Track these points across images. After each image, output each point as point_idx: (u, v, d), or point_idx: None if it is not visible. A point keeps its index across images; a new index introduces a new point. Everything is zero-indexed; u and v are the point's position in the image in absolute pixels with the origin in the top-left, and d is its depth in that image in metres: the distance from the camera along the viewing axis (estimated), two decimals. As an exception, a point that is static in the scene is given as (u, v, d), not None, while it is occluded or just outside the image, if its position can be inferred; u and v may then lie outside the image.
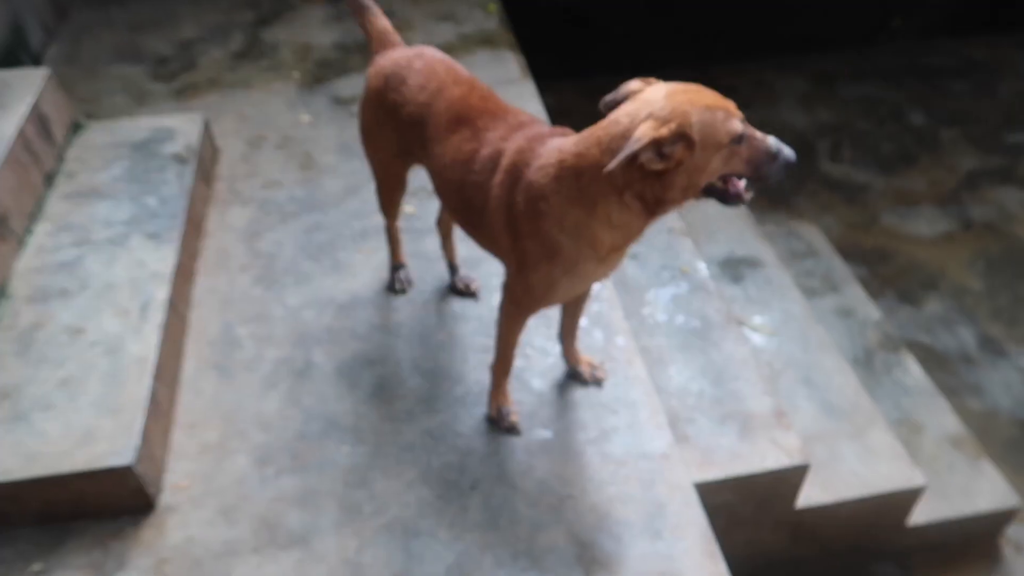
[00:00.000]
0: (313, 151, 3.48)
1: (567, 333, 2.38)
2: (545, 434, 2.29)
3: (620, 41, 6.04)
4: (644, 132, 1.54)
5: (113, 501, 2.08)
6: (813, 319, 3.36)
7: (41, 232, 2.72)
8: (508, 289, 2.04)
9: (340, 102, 3.81)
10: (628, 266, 3.26)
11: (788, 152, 1.64)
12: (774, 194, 4.95)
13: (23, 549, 2.04)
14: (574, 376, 2.43)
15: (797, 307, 3.43)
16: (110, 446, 2.03)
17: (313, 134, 3.60)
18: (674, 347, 2.93)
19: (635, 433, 2.29)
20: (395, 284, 2.74)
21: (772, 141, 1.64)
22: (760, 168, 1.65)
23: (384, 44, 2.31)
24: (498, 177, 1.88)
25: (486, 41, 4.28)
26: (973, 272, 4.29)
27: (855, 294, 3.85)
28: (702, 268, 3.25)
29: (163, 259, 2.60)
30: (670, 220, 3.51)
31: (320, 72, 4.06)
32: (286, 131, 3.62)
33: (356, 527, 2.07)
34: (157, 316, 2.40)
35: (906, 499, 2.78)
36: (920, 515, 2.89)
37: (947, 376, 3.73)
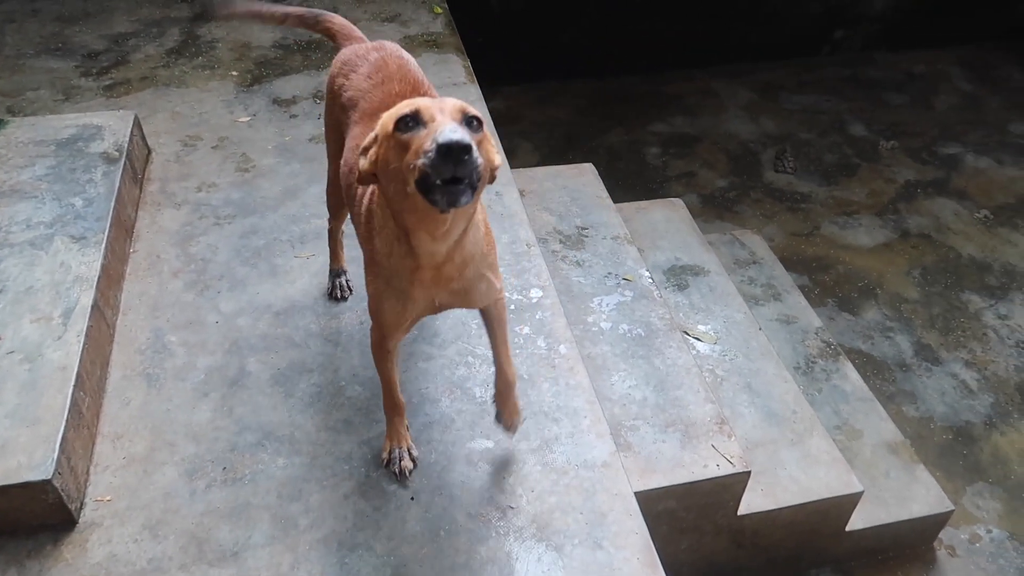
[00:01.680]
0: (250, 152, 3.38)
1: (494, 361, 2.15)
2: (486, 444, 2.25)
3: (571, 47, 6.06)
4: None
5: (30, 517, 1.96)
6: (755, 327, 3.39)
7: (-43, 233, 2.57)
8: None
9: (279, 103, 3.72)
10: (572, 273, 3.24)
11: (447, 135, 1.31)
12: (719, 202, 5.02)
13: (-73, 571, 1.92)
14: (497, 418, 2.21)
15: (740, 315, 3.46)
16: (27, 459, 1.92)
17: (251, 135, 3.51)
18: (618, 355, 2.92)
19: (576, 442, 2.27)
20: (335, 291, 2.67)
21: (443, 127, 1.34)
22: (420, 155, 1.40)
23: (350, 39, 2.35)
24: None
25: (431, 43, 4.23)
26: (909, 281, 4.40)
27: (796, 302, 3.90)
28: (646, 276, 3.25)
29: (88, 262, 2.48)
30: (614, 228, 3.50)
31: (259, 72, 3.96)
32: (222, 131, 3.51)
33: (290, 541, 1.99)
34: (80, 322, 2.29)
35: (844, 505, 2.81)
36: (858, 521, 2.93)
37: (884, 383, 3.81)
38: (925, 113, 5.88)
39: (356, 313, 2.63)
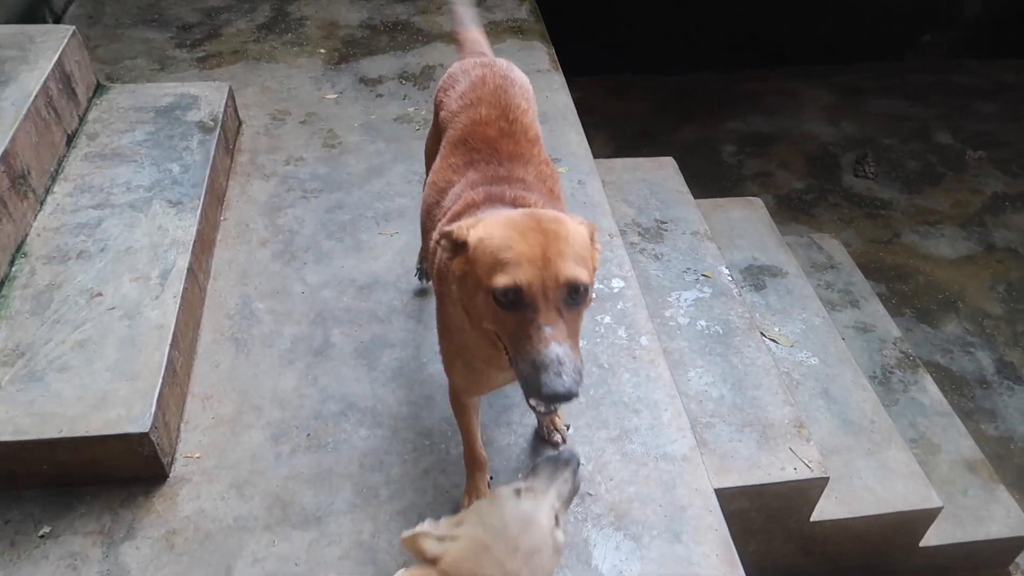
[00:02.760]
0: (337, 129, 3.43)
1: None
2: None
3: (648, 40, 6.00)
4: (458, 225, 1.42)
5: (125, 468, 2.03)
6: (834, 332, 3.31)
7: (60, 192, 2.67)
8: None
9: (366, 82, 3.76)
10: (651, 266, 3.21)
11: (554, 386, 1.23)
12: (795, 204, 4.92)
13: (31, 511, 2.00)
14: (538, 431, 2.22)
15: (818, 319, 3.38)
16: (126, 412, 1.99)
17: (337, 112, 3.55)
18: (695, 351, 2.88)
19: (656, 434, 2.25)
20: (424, 274, 2.65)
21: (550, 353, 1.24)
22: (519, 360, 1.29)
23: (471, 52, 2.26)
24: (445, 219, 1.72)
25: (516, 30, 4.22)
26: (993, 296, 4.25)
27: (875, 310, 3.80)
28: (725, 273, 3.21)
29: (184, 227, 2.55)
30: (694, 223, 3.46)
31: (346, 50, 4.01)
32: (310, 107, 3.57)
33: (371, 510, 2.02)
34: (177, 284, 2.36)
35: (921, 519, 2.73)
36: (932, 537, 2.85)
37: (963, 399, 3.70)
38: (1015, 124, 5.65)
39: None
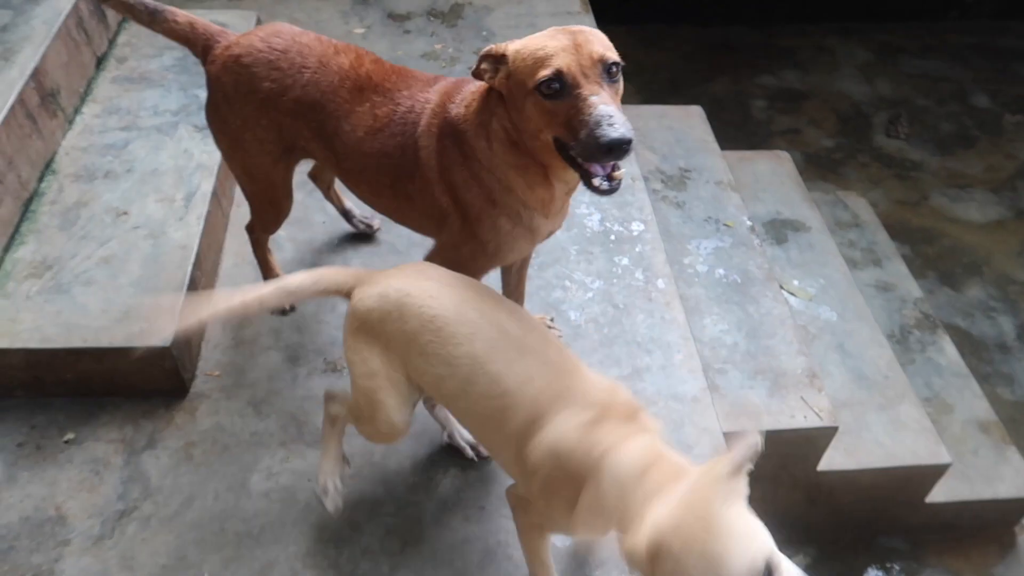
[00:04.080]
0: (364, 64, 3.40)
1: (512, 298, 2.17)
2: (578, 366, 2.27)
3: (681, -10, 5.86)
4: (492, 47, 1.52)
5: (147, 382, 2.09)
6: (854, 289, 3.29)
7: (89, 113, 2.69)
8: (451, 253, 1.79)
9: (394, 17, 3.72)
10: (672, 214, 3.20)
11: (611, 133, 1.34)
12: (823, 162, 4.85)
13: (56, 417, 2.07)
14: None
15: (838, 275, 3.36)
16: (149, 326, 2.04)
17: (365, 46, 3.46)
18: (711, 298, 2.88)
19: (668, 375, 2.27)
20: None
21: (600, 110, 1.37)
22: (576, 135, 1.41)
23: (209, 37, 1.92)
24: (423, 123, 1.71)
25: (548, -29, 4.14)
26: (1020, 262, 4.19)
27: (897, 270, 3.76)
28: (747, 224, 3.19)
29: (209, 152, 2.57)
30: (719, 173, 3.43)
31: (376, -15, 3.96)
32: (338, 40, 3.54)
33: (383, 433, 2.07)
34: (201, 207, 2.39)
35: (929, 475, 2.75)
36: (939, 494, 2.86)
37: (981, 363, 3.67)
38: (1058, 89, 5.50)
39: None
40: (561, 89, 1.41)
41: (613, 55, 1.45)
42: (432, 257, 1.85)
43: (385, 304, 1.54)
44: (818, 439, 2.53)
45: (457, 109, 1.67)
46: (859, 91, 5.42)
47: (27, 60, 2.39)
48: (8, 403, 2.08)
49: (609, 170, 1.48)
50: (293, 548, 1.84)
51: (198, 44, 1.93)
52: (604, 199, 2.79)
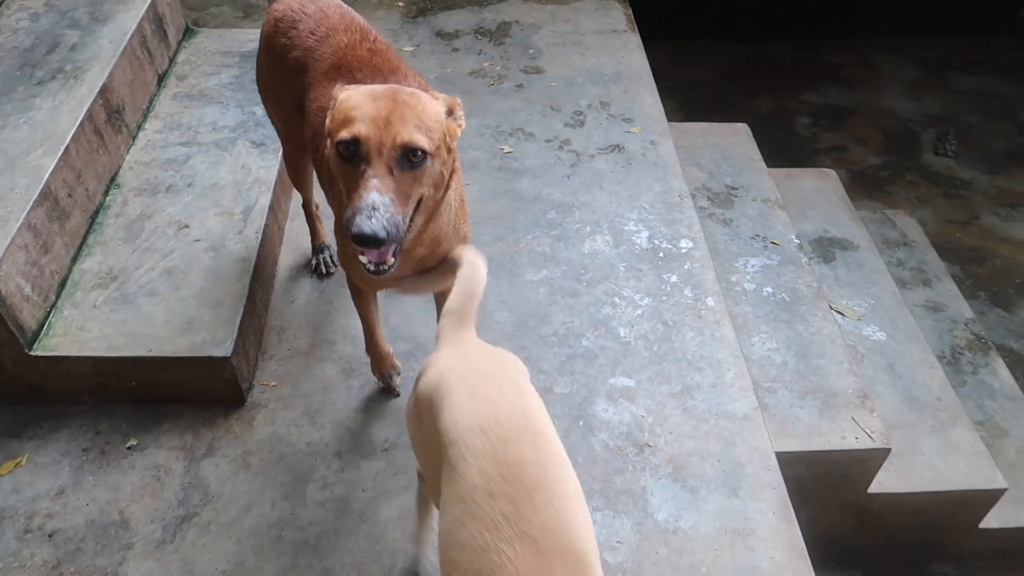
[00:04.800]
0: (414, 81, 3.47)
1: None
2: (627, 382, 2.28)
3: (724, 7, 5.86)
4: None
5: (207, 391, 2.14)
6: (904, 309, 3.25)
7: (151, 129, 2.78)
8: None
9: (443, 35, 3.79)
10: (719, 231, 3.19)
11: (361, 226, 1.30)
12: (869, 180, 4.80)
13: (119, 424, 2.13)
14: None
15: (887, 295, 3.32)
16: (210, 336, 2.09)
17: (414, 64, 3.57)
18: (759, 317, 2.87)
19: (719, 392, 2.26)
20: (319, 267, 2.56)
21: (368, 199, 1.33)
22: (348, 207, 1.37)
23: None
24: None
25: (594, -11, 4.18)
26: (1075, 283, 4.09)
27: (947, 290, 3.70)
28: (795, 242, 3.17)
29: (266, 167, 2.64)
30: (765, 191, 3.42)
31: (424, 4, 4.03)
32: (388, 59, 3.61)
33: (436, 446, 2.09)
34: (258, 220, 2.45)
35: (983, 500, 2.69)
36: (993, 520, 2.80)
37: (1034, 386, 3.59)
38: (1112, 107, 5.38)
39: (506, 243, 2.69)
40: (355, 155, 1.38)
41: (421, 142, 1.38)
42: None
43: (430, 390, 1.38)
44: (869, 461, 2.50)
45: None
46: (906, 108, 5.36)
47: (95, 78, 2.48)
48: (75, 409, 2.15)
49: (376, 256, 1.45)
50: (349, 557, 1.87)
51: None
52: (653, 216, 2.80)
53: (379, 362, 2.18)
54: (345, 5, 2.04)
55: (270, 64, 2.07)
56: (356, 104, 1.41)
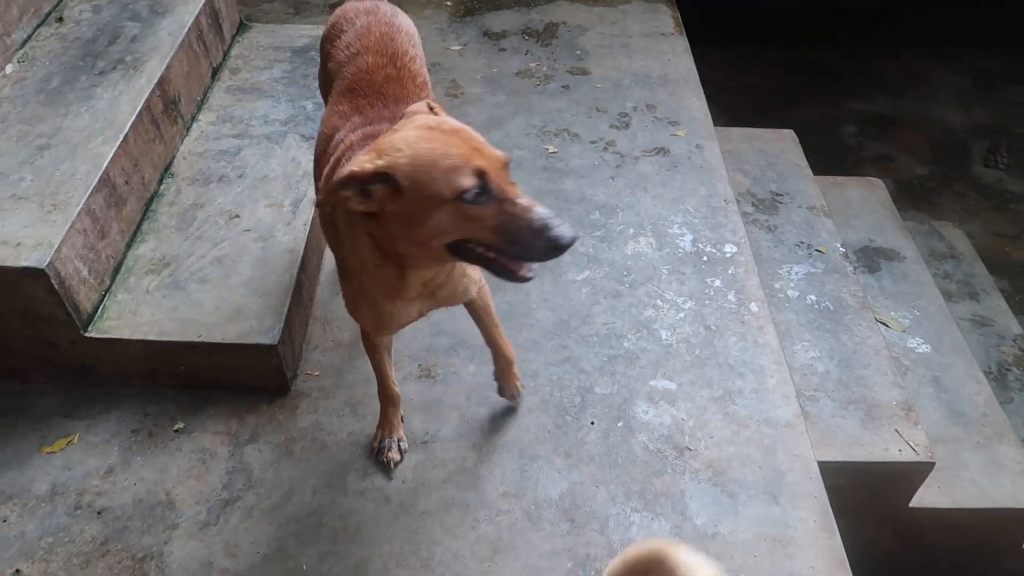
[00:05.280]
0: (460, 79, 3.50)
1: (487, 343, 2.10)
2: (668, 385, 2.27)
3: (770, 13, 5.80)
4: (351, 164, 1.33)
5: (252, 377, 2.18)
6: (951, 322, 3.19)
7: (205, 120, 2.84)
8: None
9: (490, 35, 3.81)
10: (763, 237, 3.16)
11: (559, 232, 1.30)
12: (916, 191, 4.72)
13: (167, 407, 2.18)
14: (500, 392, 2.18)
15: (933, 307, 3.26)
16: (258, 324, 2.13)
17: (461, 63, 3.62)
18: (802, 324, 2.84)
19: (760, 399, 2.25)
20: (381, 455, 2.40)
21: (540, 214, 1.31)
22: (517, 242, 1.32)
23: None
24: (327, 169, 1.70)
25: (642, -8, 4.17)
26: None
27: (995, 304, 3.63)
28: (840, 250, 3.13)
29: (315, 161, 2.67)
30: (811, 198, 3.38)
31: (472, 4, 4.06)
32: (435, 57, 3.64)
33: (475, 441, 2.11)
34: (307, 213, 2.48)
35: (1029, 519, 2.63)
36: (1039, 539, 2.74)
37: (1085, 405, 3.49)
38: None
39: (549, 243, 2.69)
40: (484, 192, 1.31)
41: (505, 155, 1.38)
42: None
43: None
44: (912, 474, 2.46)
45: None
46: (955, 118, 5.26)
47: (154, 69, 2.54)
48: (125, 391, 2.21)
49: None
50: (387, 547, 1.89)
51: None
52: (697, 220, 2.79)
53: (389, 411, 2.06)
54: (400, 21, 2.00)
55: (321, 64, 2.10)
56: (440, 151, 1.32)
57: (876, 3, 5.69)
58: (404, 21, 2.02)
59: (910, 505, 2.58)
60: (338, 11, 2.07)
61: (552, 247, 1.31)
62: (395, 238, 1.41)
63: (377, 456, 2.06)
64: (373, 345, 1.93)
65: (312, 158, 2.01)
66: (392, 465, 2.04)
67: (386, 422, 2.07)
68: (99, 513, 1.95)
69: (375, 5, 2.04)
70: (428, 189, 1.31)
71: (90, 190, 2.12)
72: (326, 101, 2.22)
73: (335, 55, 1.96)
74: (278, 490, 2.01)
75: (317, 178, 1.87)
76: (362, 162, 1.32)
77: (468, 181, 1.29)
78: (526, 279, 1.41)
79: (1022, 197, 4.63)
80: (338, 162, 1.66)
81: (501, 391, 2.16)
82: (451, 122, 1.40)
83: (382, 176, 1.32)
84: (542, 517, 1.96)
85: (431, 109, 1.47)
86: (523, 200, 1.32)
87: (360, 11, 2.01)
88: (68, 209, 2.06)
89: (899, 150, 5.02)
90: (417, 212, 1.33)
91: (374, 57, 1.87)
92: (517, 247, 1.33)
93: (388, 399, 2.04)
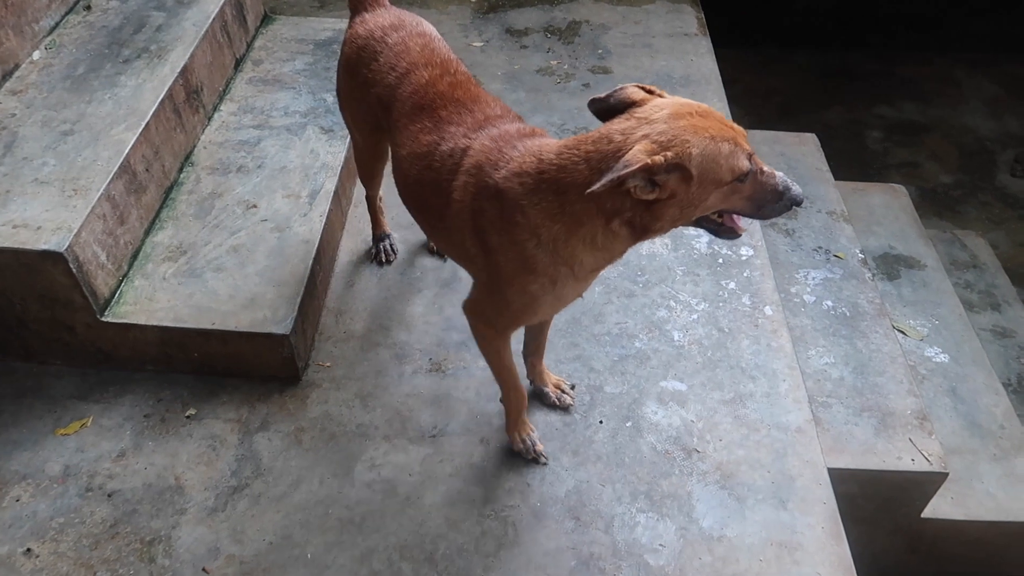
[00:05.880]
0: (481, 76, 3.50)
1: (533, 351, 2.14)
2: (679, 386, 2.26)
3: (799, 14, 5.75)
4: (636, 156, 1.35)
5: (264, 367, 2.20)
6: (970, 331, 3.14)
7: (226, 111, 2.86)
8: (476, 308, 1.83)
9: (512, 32, 3.81)
10: (780, 241, 3.14)
11: (796, 191, 1.47)
12: (941, 199, 4.65)
13: (180, 393, 2.20)
14: (539, 397, 2.20)
15: (953, 316, 3.22)
16: (272, 314, 2.15)
17: (482, 59, 3.62)
18: (818, 330, 2.81)
19: (772, 403, 2.23)
20: (379, 255, 2.59)
21: (780, 178, 1.47)
22: (763, 206, 1.49)
23: (364, 3, 2.08)
24: (460, 179, 1.67)
25: (667, -8, 4.15)
26: None
27: (1017, 315, 3.57)
28: (859, 256, 3.09)
29: (334, 153, 2.69)
30: (831, 203, 3.35)
31: (496, 0, 4.06)
32: (457, 53, 3.58)
33: (483, 435, 2.11)
34: (323, 204, 2.50)
35: (1045, 534, 2.59)
36: (1054, 556, 2.69)
37: (1107, 420, 3.43)
38: None
39: (565, 241, 2.69)
40: (749, 171, 1.44)
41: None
42: (469, 303, 1.85)
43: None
44: (925, 484, 2.43)
45: (508, 183, 1.56)
46: (985, 126, 5.18)
47: (178, 59, 2.57)
48: (139, 376, 2.23)
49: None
50: (392, 539, 1.90)
51: (356, 5, 2.10)
52: (713, 221, 2.77)
53: (522, 410, 2.03)
54: (427, 28, 2.00)
55: (351, 88, 2.06)
56: (719, 137, 1.39)
57: (911, 7, 5.61)
58: (430, 28, 2.03)
59: (923, 516, 2.54)
60: (359, 31, 2.02)
61: (790, 205, 1.48)
62: (666, 218, 1.47)
63: (526, 454, 2.05)
64: (506, 341, 1.88)
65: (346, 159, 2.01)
66: (544, 456, 2.05)
67: (520, 422, 2.05)
68: (109, 496, 1.98)
69: (398, 19, 2.01)
70: (714, 175, 1.41)
71: (111, 176, 2.15)
72: (349, 120, 2.22)
73: (380, 79, 1.91)
74: (286, 479, 2.02)
75: (420, 200, 1.86)
76: (646, 153, 1.36)
77: (746, 164, 1.41)
78: (741, 233, 1.58)
79: (1049, 208, 4.56)
80: (480, 170, 1.63)
81: (555, 399, 2.18)
82: (697, 105, 1.46)
83: (673, 167, 1.38)
84: (547, 514, 1.96)
85: (646, 90, 1.50)
86: (767, 168, 1.47)
87: (387, 27, 1.98)
88: (88, 194, 2.09)
89: (926, 157, 4.96)
90: (699, 195, 1.43)
91: (429, 71, 1.85)
92: (763, 210, 1.49)
93: (521, 398, 2.00)
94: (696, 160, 1.38)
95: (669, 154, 1.36)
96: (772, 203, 1.48)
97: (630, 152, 1.36)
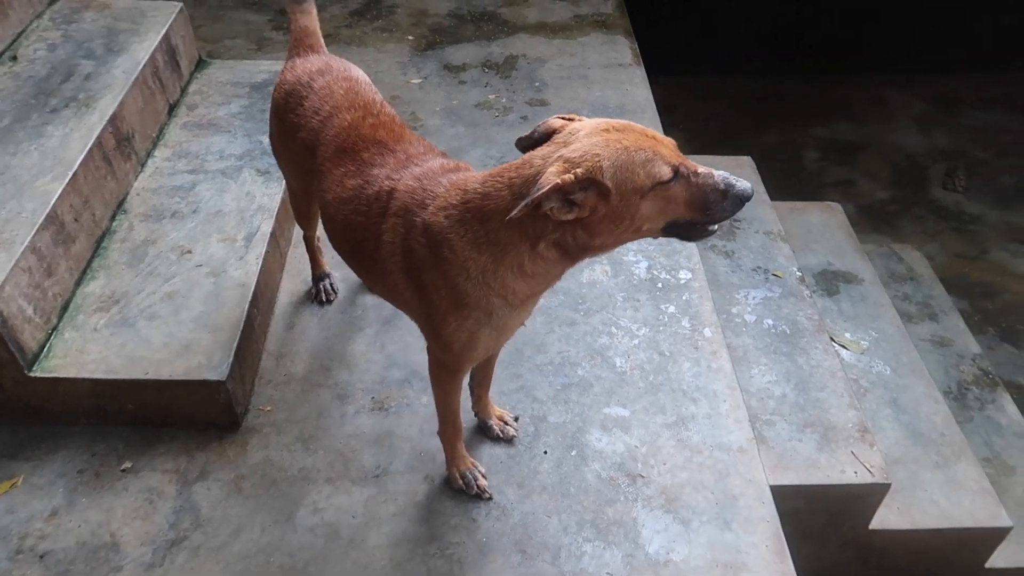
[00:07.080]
0: (419, 112, 3.53)
1: (479, 382, 2.14)
2: (622, 412, 2.27)
3: (734, 43, 5.92)
4: (547, 179, 1.36)
5: (202, 414, 2.16)
6: (908, 343, 3.22)
7: (160, 156, 2.84)
8: (429, 350, 1.85)
9: (450, 68, 3.86)
10: (720, 262, 3.19)
11: (741, 186, 1.44)
12: (877, 214, 4.79)
13: (115, 446, 2.15)
14: (483, 430, 2.20)
15: (892, 329, 3.30)
16: (207, 360, 2.12)
17: (421, 96, 3.66)
18: (759, 349, 2.86)
19: (713, 424, 2.25)
20: (319, 295, 2.59)
21: (719, 176, 1.44)
22: (709, 208, 1.45)
23: (301, 45, 2.12)
24: (389, 222, 1.67)
25: (601, 24, 4.25)
26: (1086, 319, 4.05)
27: (954, 325, 3.67)
28: (796, 274, 3.16)
29: (271, 195, 2.68)
30: (768, 223, 3.43)
31: (433, 38, 4.11)
32: (395, 91, 3.68)
33: (427, 473, 2.10)
34: (260, 247, 2.48)
35: (989, 538, 2.64)
36: (1000, 559, 2.75)
37: (1044, 423, 3.53)
38: (1125, 144, 5.36)
39: (506, 272, 2.70)
40: (676, 173, 1.42)
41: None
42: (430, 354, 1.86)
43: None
44: (869, 496, 2.47)
45: (434, 218, 1.57)
46: (915, 143, 5.37)
47: (107, 106, 2.55)
48: (72, 430, 2.18)
49: None
50: (335, 584, 1.86)
51: (296, 46, 2.13)
52: (652, 247, 2.82)
53: (458, 446, 2.04)
54: (354, 73, 2.01)
55: (281, 132, 2.07)
56: (633, 147, 1.40)
57: (836, 31, 5.82)
58: (358, 72, 2.03)
59: (870, 527, 2.58)
60: (287, 76, 2.04)
61: (738, 201, 1.45)
62: (603, 235, 1.48)
63: (468, 491, 2.04)
64: (459, 381, 1.89)
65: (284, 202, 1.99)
66: (487, 491, 2.04)
67: (459, 457, 2.04)
68: (41, 557, 1.91)
69: (326, 64, 2.03)
70: (632, 184, 1.40)
71: (36, 228, 2.11)
72: (282, 164, 2.23)
73: (304, 123, 1.93)
74: (226, 528, 1.98)
75: (350, 242, 1.84)
76: (557, 173, 1.38)
77: (665, 170, 1.40)
78: (713, 233, 1.53)
79: (980, 219, 4.72)
80: (407, 210, 1.64)
81: (498, 432, 2.18)
82: (616, 121, 1.47)
83: (586, 183, 1.38)
84: (493, 549, 1.94)
85: (568, 119, 1.52)
86: (702, 169, 1.45)
87: (314, 72, 1.99)
88: (12, 248, 2.04)
89: (861, 175, 5.12)
90: (626, 207, 1.43)
91: (351, 114, 1.86)
92: (711, 212, 1.45)
93: (457, 434, 2.01)
94: (608, 172, 1.39)
95: (579, 171, 1.37)
96: (719, 203, 1.44)
97: (543, 176, 1.39)
